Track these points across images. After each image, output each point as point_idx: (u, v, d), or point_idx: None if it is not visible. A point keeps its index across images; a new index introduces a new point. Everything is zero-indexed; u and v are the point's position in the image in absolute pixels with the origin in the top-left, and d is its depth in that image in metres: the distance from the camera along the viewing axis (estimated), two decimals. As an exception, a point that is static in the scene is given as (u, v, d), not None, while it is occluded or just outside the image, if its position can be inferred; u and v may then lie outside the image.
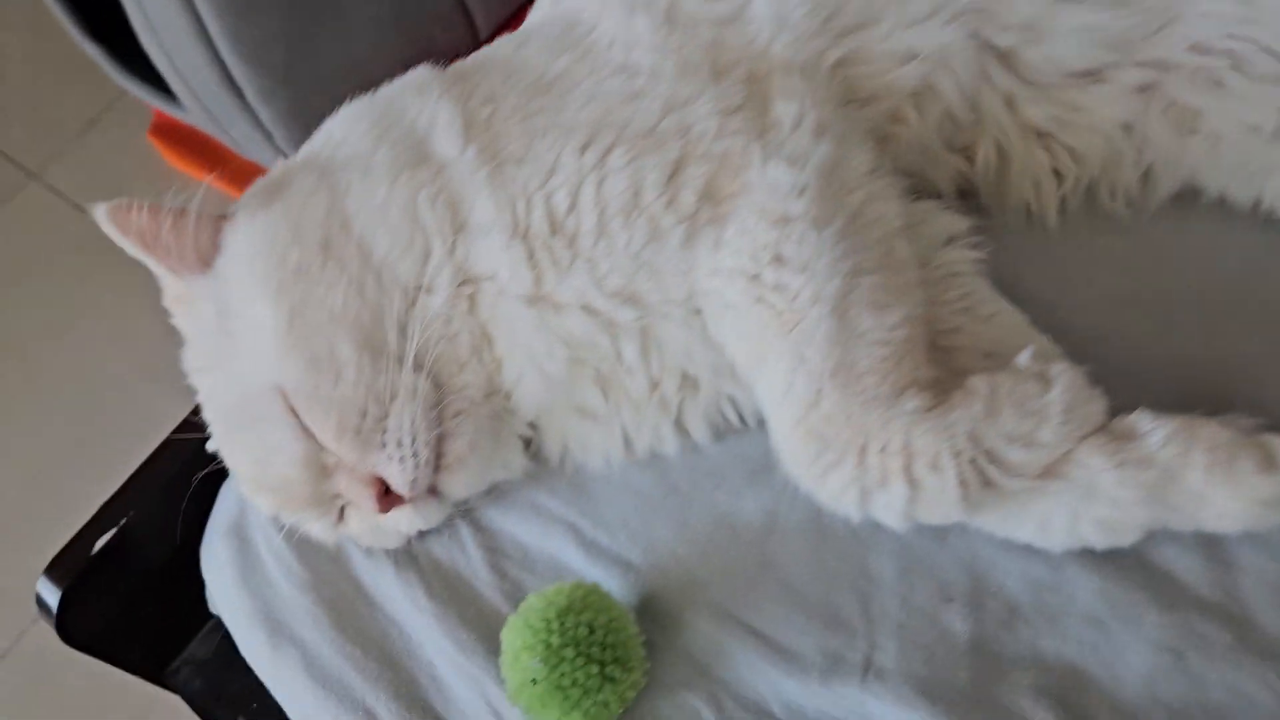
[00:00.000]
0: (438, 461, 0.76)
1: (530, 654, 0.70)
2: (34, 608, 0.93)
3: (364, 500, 0.75)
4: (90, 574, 0.94)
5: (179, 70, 1.25)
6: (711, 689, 0.74)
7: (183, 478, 0.96)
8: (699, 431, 0.80)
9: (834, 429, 0.68)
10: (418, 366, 0.74)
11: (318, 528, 0.81)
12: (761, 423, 0.80)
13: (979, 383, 0.67)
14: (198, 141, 1.70)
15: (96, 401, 1.67)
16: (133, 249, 0.77)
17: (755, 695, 0.74)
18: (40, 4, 1.40)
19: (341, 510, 0.80)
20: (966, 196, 0.84)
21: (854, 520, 0.71)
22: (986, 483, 0.66)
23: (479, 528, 0.84)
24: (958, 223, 0.80)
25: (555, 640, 0.70)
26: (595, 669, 0.70)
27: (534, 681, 0.70)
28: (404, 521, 0.78)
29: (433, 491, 0.78)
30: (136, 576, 0.98)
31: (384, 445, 0.73)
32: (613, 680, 0.71)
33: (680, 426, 0.80)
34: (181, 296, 0.80)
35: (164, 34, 1.20)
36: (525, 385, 0.77)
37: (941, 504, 0.66)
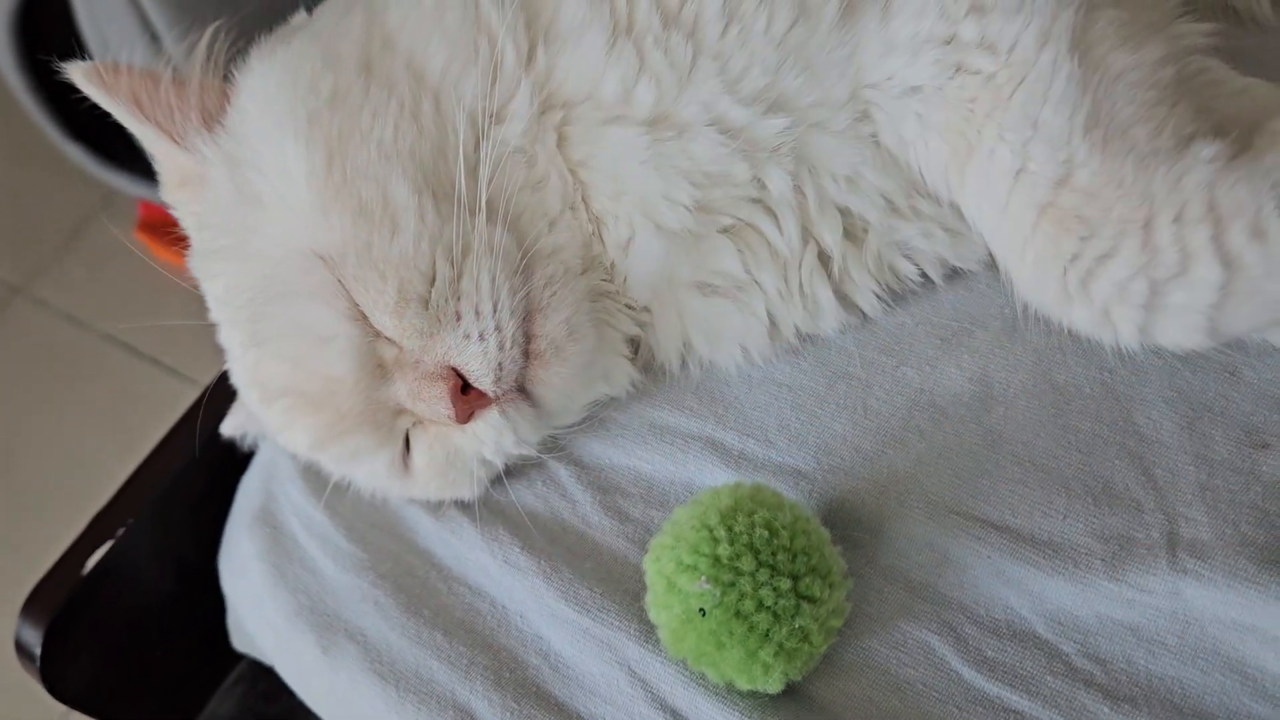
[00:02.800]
0: (527, 346, 0.56)
1: (692, 575, 0.50)
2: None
3: (435, 404, 0.55)
4: (80, 604, 0.73)
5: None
6: (941, 614, 0.53)
7: (187, 478, 0.77)
8: (866, 299, 0.60)
9: (1100, 206, 0.49)
10: (493, 217, 0.55)
11: (374, 469, 0.61)
12: (949, 277, 0.61)
13: None
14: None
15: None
16: (123, 113, 0.59)
17: (1005, 612, 0.53)
18: (8, 123, 1.34)
19: (405, 442, 0.60)
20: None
21: (1130, 345, 0.52)
22: None
23: (580, 465, 0.64)
24: None
25: (725, 551, 0.50)
26: (786, 583, 0.49)
27: (702, 613, 0.49)
28: (488, 437, 0.58)
29: (522, 392, 0.58)
30: (136, 609, 0.77)
31: (458, 318, 0.54)
32: (811, 599, 0.50)
33: (842, 295, 0.60)
34: (186, 177, 0.61)
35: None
36: (638, 250, 0.58)
37: (1270, 286, 0.47)
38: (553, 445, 0.64)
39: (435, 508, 0.65)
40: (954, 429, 0.56)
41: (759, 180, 0.56)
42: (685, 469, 0.61)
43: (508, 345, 0.54)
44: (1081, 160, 0.49)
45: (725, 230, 0.58)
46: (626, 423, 0.64)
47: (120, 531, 0.74)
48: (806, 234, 0.58)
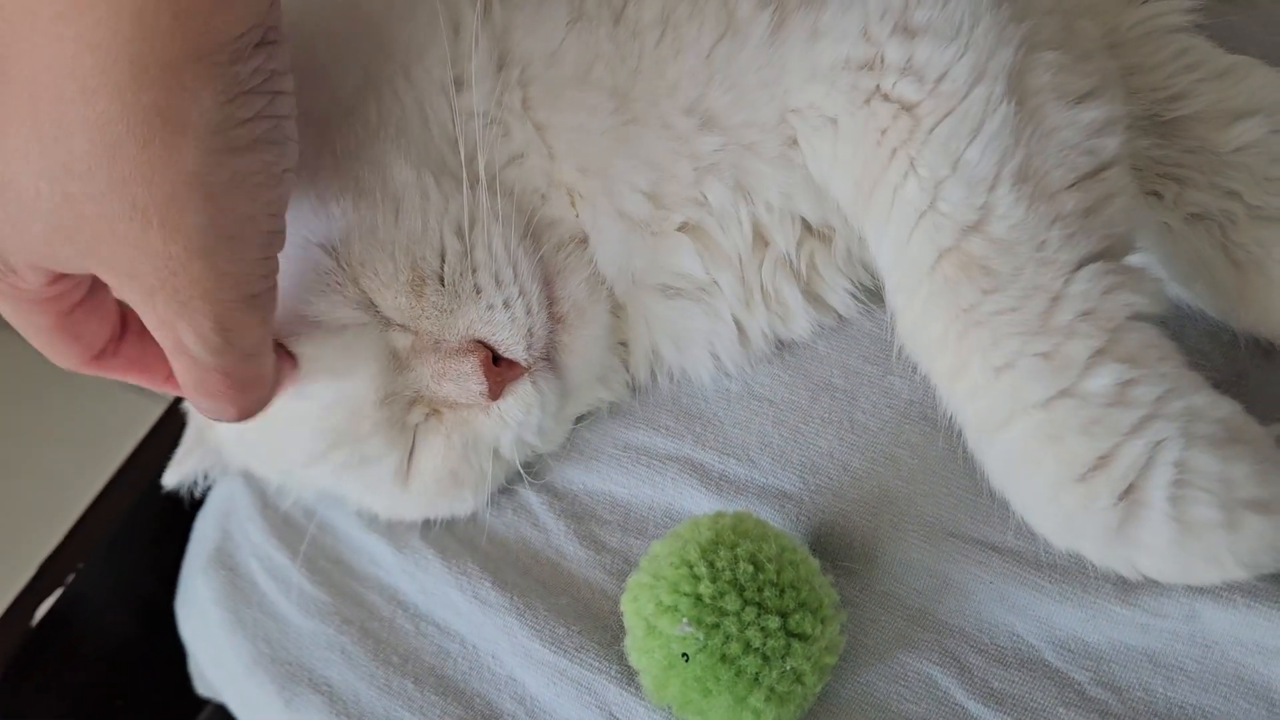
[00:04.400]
0: (550, 309, 0.53)
1: (673, 617, 0.46)
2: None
3: (465, 381, 0.51)
4: (31, 657, 0.69)
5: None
6: (943, 643, 0.50)
7: (139, 519, 0.73)
8: (839, 299, 0.57)
9: (1012, 262, 0.45)
10: (492, 188, 0.52)
11: (380, 473, 0.56)
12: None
13: None
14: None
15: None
16: None
17: (1011, 639, 0.49)
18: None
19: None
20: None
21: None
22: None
23: (553, 493, 0.60)
24: None
25: (708, 589, 0.46)
26: (774, 621, 0.46)
27: (685, 657, 0.46)
28: (514, 415, 0.54)
29: (549, 361, 0.55)
30: (95, 658, 0.73)
31: (479, 290, 0.51)
32: (802, 637, 0.46)
33: (813, 294, 0.57)
34: None
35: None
36: (600, 237, 0.55)
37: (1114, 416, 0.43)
38: (519, 475, 0.60)
39: (399, 541, 0.61)
40: (947, 443, 0.53)
41: (700, 187, 0.53)
42: (664, 493, 0.57)
43: (534, 309, 0.52)
44: (1003, 212, 0.45)
45: (682, 228, 0.55)
46: (600, 444, 0.60)
47: (70, 578, 0.70)
48: (761, 238, 0.55)
